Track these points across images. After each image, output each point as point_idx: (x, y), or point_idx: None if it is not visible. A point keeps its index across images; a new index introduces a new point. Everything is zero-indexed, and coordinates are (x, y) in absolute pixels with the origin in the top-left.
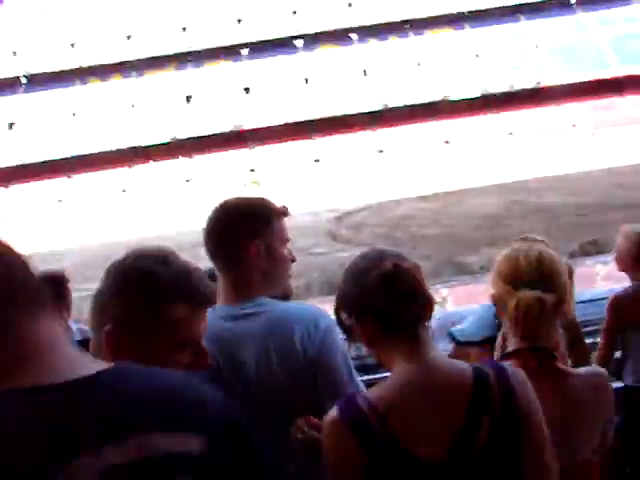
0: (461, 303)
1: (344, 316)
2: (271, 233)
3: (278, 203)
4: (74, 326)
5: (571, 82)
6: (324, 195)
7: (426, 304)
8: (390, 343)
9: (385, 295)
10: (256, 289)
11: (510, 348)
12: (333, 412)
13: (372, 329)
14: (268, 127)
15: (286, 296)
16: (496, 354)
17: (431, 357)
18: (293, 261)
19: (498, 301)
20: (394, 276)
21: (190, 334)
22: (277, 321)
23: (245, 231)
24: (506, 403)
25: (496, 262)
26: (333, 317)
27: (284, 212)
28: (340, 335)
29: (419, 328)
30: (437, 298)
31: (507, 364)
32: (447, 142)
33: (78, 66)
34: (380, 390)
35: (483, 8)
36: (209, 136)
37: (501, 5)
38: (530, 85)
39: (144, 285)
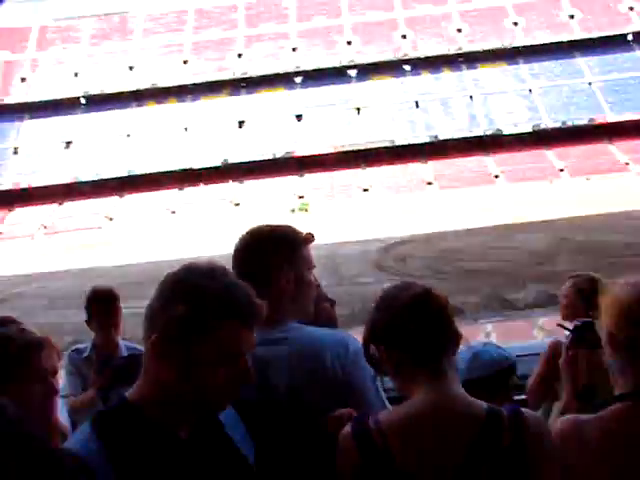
0: (506, 339)
1: (372, 348)
2: (299, 259)
3: (304, 230)
4: (122, 343)
5: (623, 120)
6: (372, 225)
7: (452, 336)
8: (413, 373)
9: (412, 319)
10: (285, 314)
11: (620, 391)
12: (347, 427)
13: (397, 357)
14: (319, 155)
15: (331, 323)
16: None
17: (449, 391)
18: (318, 287)
19: (624, 344)
20: (423, 302)
21: (235, 349)
22: (307, 345)
23: (274, 257)
24: (515, 447)
25: (614, 301)
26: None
27: (310, 239)
28: None
29: (443, 360)
30: (481, 333)
31: (527, 410)
32: (497, 176)
33: (135, 89)
34: (391, 413)
35: (538, 43)
36: (260, 161)
37: (556, 41)
38: (583, 122)
39: (190, 298)
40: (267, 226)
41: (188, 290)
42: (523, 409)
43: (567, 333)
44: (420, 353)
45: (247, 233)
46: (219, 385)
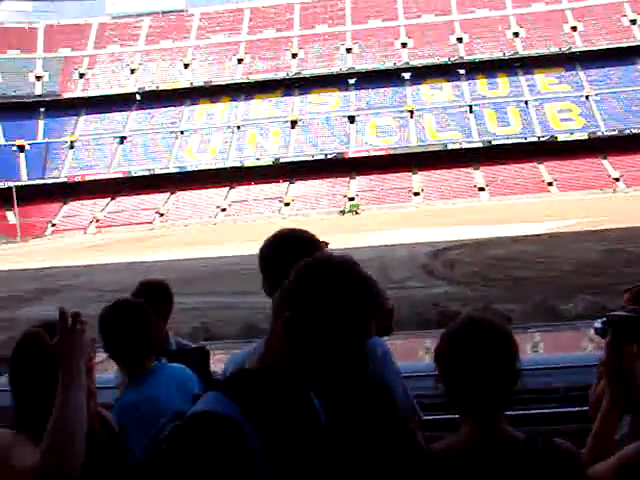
0: (554, 350)
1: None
2: None
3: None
4: (172, 337)
5: None
6: (422, 229)
7: (513, 385)
8: (470, 410)
9: (481, 379)
10: None
11: None
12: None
13: (457, 397)
14: (370, 157)
15: (388, 329)
16: None
17: (496, 426)
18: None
19: None
20: (492, 357)
21: (360, 335)
22: None
23: (300, 259)
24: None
25: None
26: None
27: (325, 247)
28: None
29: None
30: (529, 342)
31: (560, 441)
32: (550, 184)
33: (190, 86)
34: (443, 445)
35: (597, 49)
36: (311, 162)
37: (616, 47)
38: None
39: (330, 283)
40: (291, 230)
41: (328, 276)
42: (557, 440)
43: (598, 325)
44: (480, 405)
45: (273, 236)
46: (340, 366)
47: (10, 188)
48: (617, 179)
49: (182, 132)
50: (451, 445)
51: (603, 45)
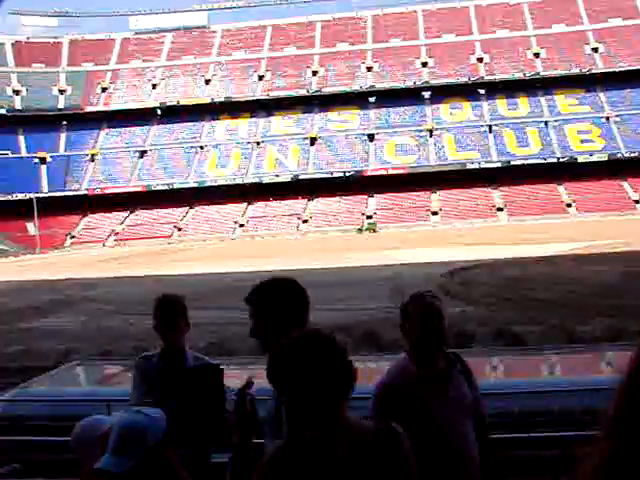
0: (571, 372)
1: None
2: None
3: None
4: (189, 352)
5: None
6: (439, 248)
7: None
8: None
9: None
10: None
11: None
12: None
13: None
14: (389, 175)
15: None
16: None
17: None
18: None
19: None
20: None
21: None
22: None
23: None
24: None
25: None
26: None
27: None
28: None
29: None
30: (546, 364)
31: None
32: (569, 205)
33: (210, 102)
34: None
35: (618, 71)
36: (330, 179)
37: (637, 69)
38: None
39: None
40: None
41: None
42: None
43: None
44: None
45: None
46: None
47: (31, 199)
48: (637, 201)
49: (202, 147)
50: (305, 439)
51: (624, 67)
